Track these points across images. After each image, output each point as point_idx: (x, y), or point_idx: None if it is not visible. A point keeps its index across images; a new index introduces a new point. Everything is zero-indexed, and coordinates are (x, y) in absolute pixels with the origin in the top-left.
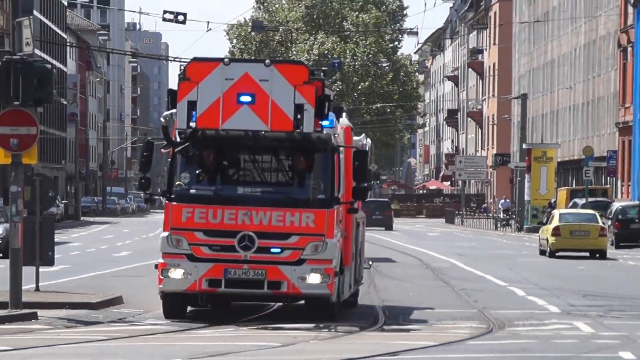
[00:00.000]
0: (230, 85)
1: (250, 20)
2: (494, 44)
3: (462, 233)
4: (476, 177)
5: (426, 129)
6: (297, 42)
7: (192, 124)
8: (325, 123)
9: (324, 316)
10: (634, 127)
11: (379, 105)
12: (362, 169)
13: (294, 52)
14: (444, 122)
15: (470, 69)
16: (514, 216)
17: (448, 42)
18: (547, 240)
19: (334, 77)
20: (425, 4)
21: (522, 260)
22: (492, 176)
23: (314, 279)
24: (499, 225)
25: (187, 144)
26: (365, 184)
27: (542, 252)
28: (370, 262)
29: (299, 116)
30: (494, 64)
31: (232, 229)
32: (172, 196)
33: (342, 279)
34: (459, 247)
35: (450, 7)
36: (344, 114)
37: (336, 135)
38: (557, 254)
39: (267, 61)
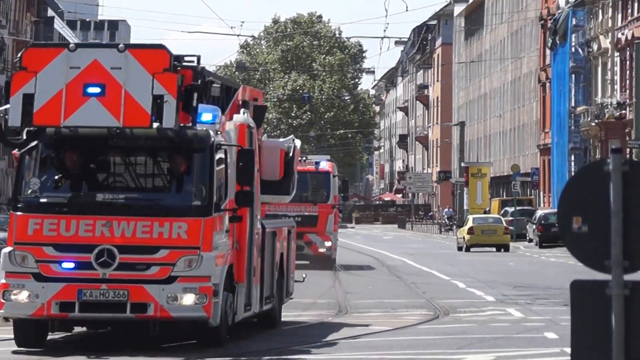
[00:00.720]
0: (75, 74)
1: (235, 62)
2: (437, 80)
3: (412, 236)
4: (423, 190)
5: (381, 150)
6: (274, 79)
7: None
8: (206, 118)
9: (207, 343)
10: (552, 148)
11: (342, 131)
12: (246, 170)
13: (272, 88)
14: (396, 145)
15: (418, 101)
16: (456, 222)
17: (400, 79)
18: (463, 238)
19: (304, 108)
20: (380, 48)
21: (462, 258)
22: (437, 189)
23: (187, 299)
24: (442, 230)
25: (30, 145)
26: (251, 188)
27: (460, 248)
28: (304, 275)
29: (157, 109)
30: (437, 97)
31: (89, 242)
32: (19, 205)
33: (233, 298)
34: (410, 248)
35: (402, 50)
36: (243, 111)
37: (219, 133)
38: (471, 249)
39: (120, 46)
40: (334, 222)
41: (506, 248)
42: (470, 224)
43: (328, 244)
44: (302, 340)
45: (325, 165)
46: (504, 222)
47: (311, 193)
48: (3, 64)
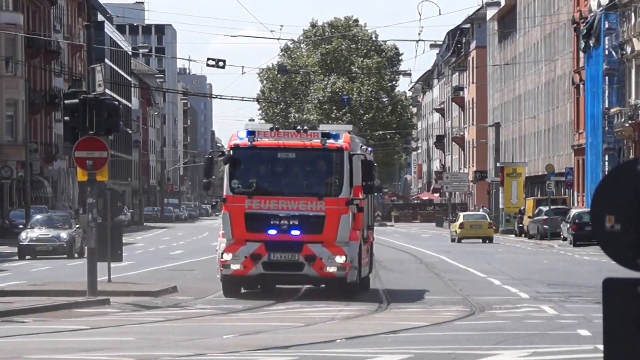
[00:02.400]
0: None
1: (277, 65)
2: (473, 82)
3: (449, 235)
4: (460, 189)
5: (419, 151)
6: (314, 82)
7: None
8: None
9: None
10: (586, 148)
11: (380, 132)
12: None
13: (312, 90)
14: (433, 145)
15: (453, 103)
16: (491, 221)
17: (436, 81)
18: (455, 231)
19: (344, 110)
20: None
21: (497, 257)
22: (473, 188)
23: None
24: None
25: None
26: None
27: (453, 240)
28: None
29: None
30: (472, 99)
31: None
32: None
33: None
34: (447, 246)
35: (437, 53)
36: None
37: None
38: (462, 241)
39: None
40: (353, 226)
41: (490, 240)
42: (461, 220)
43: (341, 259)
44: (344, 335)
45: (338, 139)
46: (488, 218)
47: (315, 182)
48: (60, 67)
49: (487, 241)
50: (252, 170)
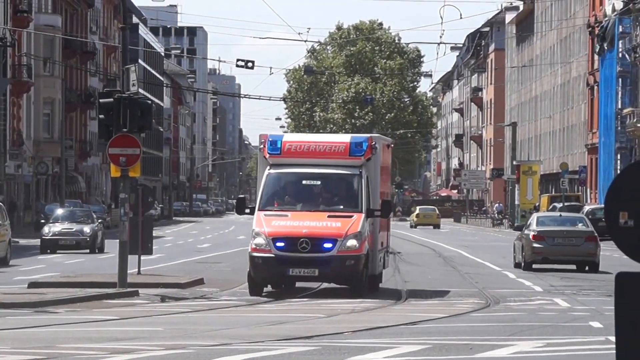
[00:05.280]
0: None
1: (303, 66)
2: (491, 83)
3: (467, 229)
4: (477, 186)
5: (438, 149)
6: (339, 82)
7: None
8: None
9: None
10: (599, 148)
11: (402, 131)
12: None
13: (337, 90)
14: (452, 144)
15: (472, 103)
16: (507, 216)
17: (455, 82)
18: (413, 220)
19: (367, 109)
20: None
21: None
22: (490, 185)
23: None
24: (495, 224)
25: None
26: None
27: (410, 226)
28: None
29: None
30: (490, 99)
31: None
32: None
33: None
34: (464, 240)
35: (457, 55)
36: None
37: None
38: (417, 227)
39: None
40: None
41: (437, 226)
42: (417, 211)
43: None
44: (365, 325)
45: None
46: (437, 211)
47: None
48: (95, 67)
49: (435, 227)
50: None
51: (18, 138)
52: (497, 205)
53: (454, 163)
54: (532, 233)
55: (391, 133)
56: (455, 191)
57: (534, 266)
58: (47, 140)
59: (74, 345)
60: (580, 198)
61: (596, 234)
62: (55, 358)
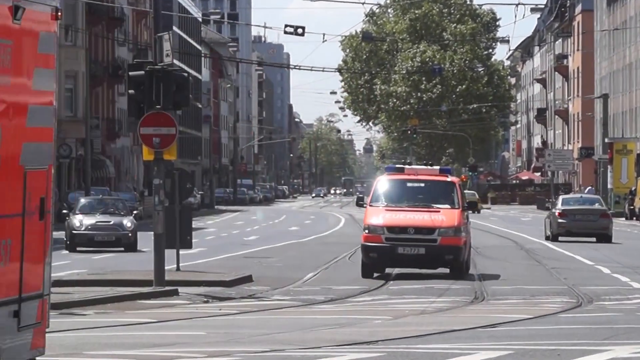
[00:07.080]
0: None
1: (361, 32)
2: (578, 50)
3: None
4: (563, 168)
5: (518, 126)
6: (402, 50)
7: None
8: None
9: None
10: None
11: (475, 105)
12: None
13: (399, 60)
14: (534, 119)
15: (556, 73)
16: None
17: (536, 49)
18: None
19: (434, 81)
20: (515, 16)
21: (605, 244)
22: (578, 167)
23: None
24: None
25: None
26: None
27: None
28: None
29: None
30: (577, 68)
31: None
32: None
33: None
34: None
35: (538, 18)
36: None
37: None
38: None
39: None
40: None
41: (478, 211)
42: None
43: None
44: (437, 329)
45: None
46: (476, 195)
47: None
48: (124, 35)
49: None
50: None
51: None
52: (587, 189)
53: (536, 142)
54: (557, 211)
55: (463, 108)
56: (538, 174)
57: (560, 238)
58: (70, 119)
59: (104, 352)
60: None
61: (609, 212)
62: None
